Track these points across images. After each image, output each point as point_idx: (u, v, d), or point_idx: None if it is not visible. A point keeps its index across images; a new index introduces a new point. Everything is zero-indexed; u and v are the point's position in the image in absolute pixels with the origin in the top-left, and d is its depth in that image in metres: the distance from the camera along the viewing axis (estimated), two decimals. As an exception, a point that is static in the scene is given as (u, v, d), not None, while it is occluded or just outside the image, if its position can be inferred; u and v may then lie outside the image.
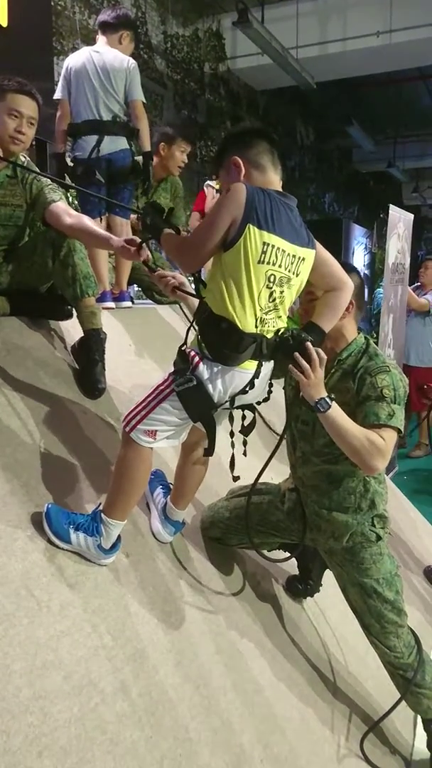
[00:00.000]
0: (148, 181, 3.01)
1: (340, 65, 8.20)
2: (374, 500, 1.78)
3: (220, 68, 8.61)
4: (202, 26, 8.18)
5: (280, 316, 1.51)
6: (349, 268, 1.85)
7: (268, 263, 1.41)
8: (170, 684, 1.50)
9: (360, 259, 11.53)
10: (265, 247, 1.39)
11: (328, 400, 1.58)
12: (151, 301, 3.46)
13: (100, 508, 1.62)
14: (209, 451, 1.60)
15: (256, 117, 9.71)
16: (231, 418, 1.62)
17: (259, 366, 1.50)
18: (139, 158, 2.94)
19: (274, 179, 1.50)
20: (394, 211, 4.29)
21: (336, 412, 1.60)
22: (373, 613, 1.78)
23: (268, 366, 1.55)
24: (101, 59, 2.80)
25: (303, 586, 2.16)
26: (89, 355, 2.15)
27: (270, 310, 1.47)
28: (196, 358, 1.47)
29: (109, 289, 2.94)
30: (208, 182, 4.42)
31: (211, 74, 8.54)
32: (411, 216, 4.71)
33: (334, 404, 1.60)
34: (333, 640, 2.15)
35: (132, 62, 2.86)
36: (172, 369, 1.53)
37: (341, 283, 1.60)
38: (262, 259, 1.40)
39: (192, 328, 1.54)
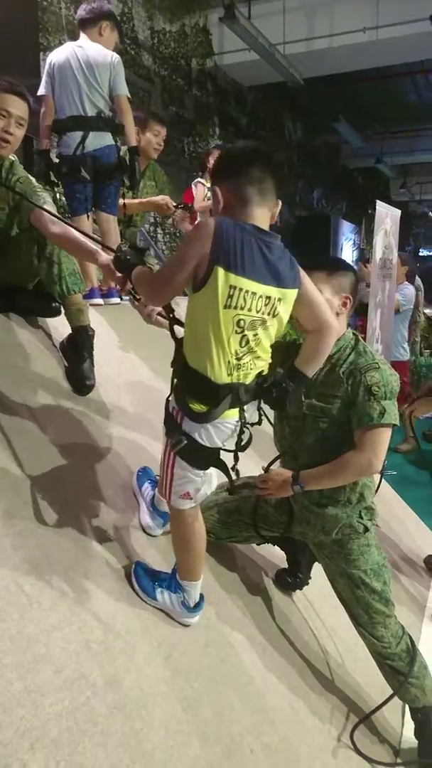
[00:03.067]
0: (135, 177, 3.01)
1: (327, 61, 8.20)
2: (363, 493, 1.81)
3: (207, 64, 8.58)
4: (189, 22, 8.15)
5: (258, 357, 1.44)
6: (344, 265, 1.88)
7: (236, 307, 1.33)
8: (161, 677, 1.51)
9: (348, 255, 11.57)
10: (232, 290, 1.31)
11: (298, 486, 1.76)
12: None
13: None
14: (232, 491, 1.65)
15: (243, 113, 9.71)
16: None
17: (242, 412, 1.46)
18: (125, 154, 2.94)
19: (257, 214, 1.38)
20: (381, 206, 4.30)
21: (310, 478, 1.76)
22: (360, 603, 1.81)
23: (253, 405, 1.52)
24: (84, 54, 2.79)
25: (292, 579, 2.18)
26: (77, 351, 2.15)
27: (244, 354, 1.40)
28: (180, 414, 1.46)
29: (97, 285, 2.94)
30: (198, 180, 4.42)
31: (199, 70, 8.51)
32: (398, 212, 4.73)
33: (301, 475, 1.76)
34: (323, 631, 2.17)
35: (116, 57, 2.86)
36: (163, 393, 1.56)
37: (326, 325, 1.52)
38: (228, 304, 1.32)
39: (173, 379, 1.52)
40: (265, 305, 1.38)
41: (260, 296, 1.36)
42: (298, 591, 2.22)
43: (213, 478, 1.63)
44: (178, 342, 1.49)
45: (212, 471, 1.60)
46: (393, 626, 1.84)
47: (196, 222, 4.38)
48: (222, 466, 1.56)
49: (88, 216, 2.95)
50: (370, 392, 1.67)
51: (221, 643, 1.75)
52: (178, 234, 8.22)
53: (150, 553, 1.82)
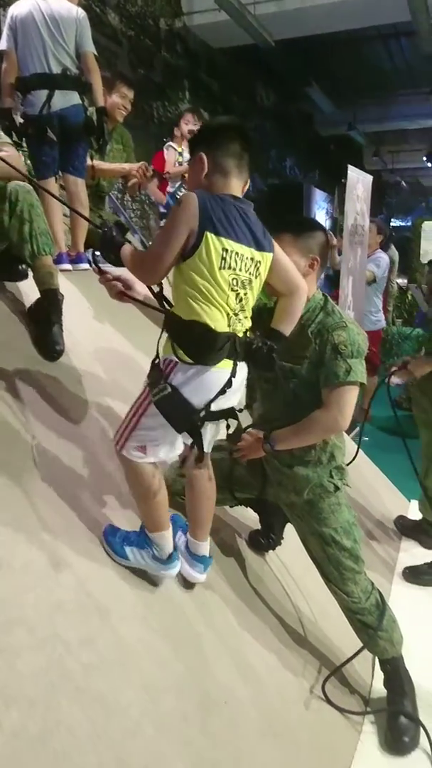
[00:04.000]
0: (103, 138, 2.93)
1: (298, 22, 8.05)
2: (333, 453, 1.83)
3: (176, 24, 8.35)
4: (156, -21, 7.90)
5: (246, 317, 1.51)
6: (315, 225, 1.87)
7: (230, 268, 1.43)
8: (136, 636, 1.53)
9: (322, 223, 11.52)
10: (225, 253, 1.41)
11: (270, 445, 1.78)
12: (110, 264, 3.40)
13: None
14: (200, 458, 1.60)
15: (214, 78, 9.50)
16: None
17: (235, 365, 1.49)
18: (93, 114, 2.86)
19: (235, 185, 1.49)
20: (352, 171, 4.28)
21: (280, 437, 1.78)
22: (331, 560, 1.84)
23: (243, 368, 1.54)
24: (48, 8, 2.68)
25: (265, 540, 2.21)
26: (47, 316, 2.11)
27: (239, 311, 1.48)
28: (171, 365, 1.46)
29: (65, 250, 2.88)
30: (169, 143, 4.33)
31: (167, 31, 8.27)
32: (370, 177, 4.71)
33: (272, 434, 1.78)
34: (295, 590, 2.21)
35: (81, 12, 2.76)
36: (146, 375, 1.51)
37: (296, 287, 1.60)
38: (223, 265, 1.41)
39: (159, 341, 1.52)
40: (251, 266, 1.48)
41: (247, 257, 1.46)
42: (271, 552, 2.26)
43: (177, 447, 1.60)
44: (168, 313, 1.50)
45: (177, 439, 1.58)
46: (363, 582, 1.88)
47: (167, 188, 4.31)
48: (196, 433, 1.54)
49: (56, 179, 2.88)
50: (337, 351, 1.68)
51: (195, 603, 1.77)
52: (148, 201, 8.08)
53: (125, 514, 1.82)
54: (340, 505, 1.85)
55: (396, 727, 1.85)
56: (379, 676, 2.01)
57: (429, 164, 13.65)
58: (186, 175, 4.16)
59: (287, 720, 1.72)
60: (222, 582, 1.95)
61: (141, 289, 1.63)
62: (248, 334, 1.53)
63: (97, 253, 1.65)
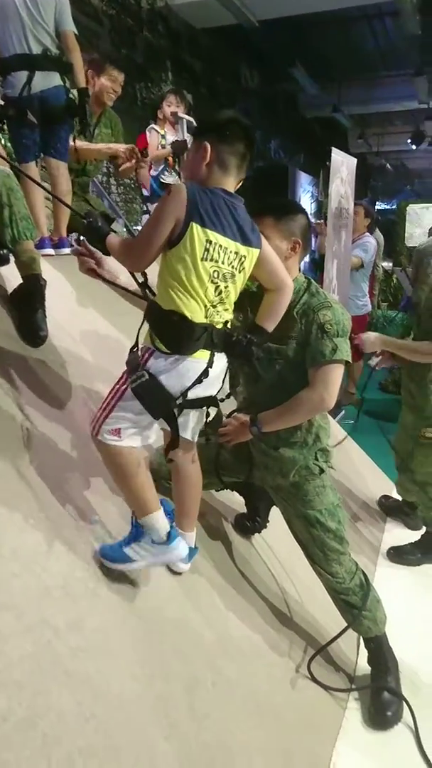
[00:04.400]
0: (86, 120, 2.88)
1: (282, 2, 7.95)
2: (318, 434, 1.84)
3: (157, 3, 8.20)
4: None
5: (227, 309, 1.53)
6: (297, 208, 1.86)
7: (212, 260, 1.44)
8: (123, 620, 1.54)
9: (306, 207, 11.49)
10: (208, 244, 1.43)
11: (256, 428, 1.79)
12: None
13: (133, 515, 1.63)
14: (173, 444, 1.58)
15: (197, 58, 9.37)
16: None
17: (212, 356, 1.50)
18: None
19: (231, 182, 1.51)
20: (336, 154, 4.27)
21: (266, 419, 1.79)
22: (316, 542, 1.87)
23: (221, 358, 1.55)
24: None
25: (251, 523, 2.23)
26: (29, 301, 2.09)
27: (217, 303, 1.49)
28: (148, 353, 1.48)
29: (47, 235, 2.84)
30: (152, 126, 4.28)
31: (149, 10, 8.13)
32: (354, 160, 4.70)
33: (259, 417, 1.79)
34: (281, 572, 2.24)
35: (60, -11, 2.69)
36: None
37: (282, 283, 1.61)
38: (205, 257, 1.43)
39: (140, 329, 1.53)
40: (235, 260, 1.49)
41: (231, 251, 1.48)
42: (257, 535, 2.28)
43: (151, 434, 1.59)
44: (151, 300, 1.53)
45: (154, 426, 1.58)
46: (347, 563, 1.91)
47: (150, 172, 4.26)
48: (172, 421, 1.54)
49: (37, 163, 2.83)
50: (323, 330, 1.70)
51: (182, 587, 1.79)
52: (133, 185, 8.00)
53: (112, 499, 1.83)
54: (325, 487, 1.87)
55: (379, 703, 1.89)
56: (364, 654, 2.05)
57: (414, 147, 13.61)
58: (169, 158, 4.14)
59: (273, 699, 1.75)
60: (208, 565, 1.97)
61: (116, 269, 1.65)
62: (229, 325, 1.55)
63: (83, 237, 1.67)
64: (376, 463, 3.73)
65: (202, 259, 1.43)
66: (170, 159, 4.15)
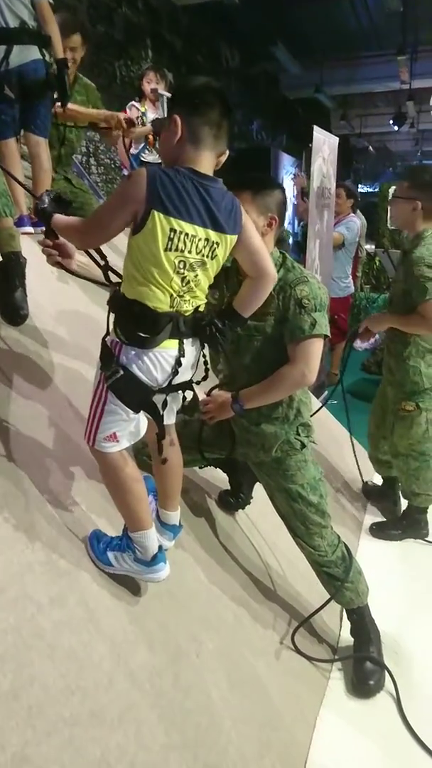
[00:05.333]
0: (65, 92, 2.82)
1: (263, -21, 7.84)
2: (300, 409, 1.85)
3: (137, -20, 8.06)
4: None
5: (196, 296, 1.44)
6: (274, 184, 1.85)
7: (176, 250, 1.34)
8: (106, 593, 1.55)
9: (289, 188, 11.44)
10: (172, 233, 1.33)
11: (238, 405, 1.79)
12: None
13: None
14: (160, 435, 1.55)
15: (177, 36, 9.23)
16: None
17: (181, 344, 1.44)
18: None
19: (205, 158, 1.38)
20: (318, 133, 4.24)
21: (248, 396, 1.79)
22: (298, 516, 1.88)
23: (192, 344, 1.49)
24: None
25: (234, 499, 2.25)
26: (9, 280, 2.06)
27: (185, 293, 1.41)
28: (118, 346, 1.43)
29: (27, 213, 2.80)
30: (132, 103, 4.21)
31: (128, -14, 7.99)
32: (336, 139, 4.67)
33: (240, 394, 1.79)
34: (264, 547, 2.26)
35: (34, -40, 2.63)
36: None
37: (264, 272, 1.53)
38: (169, 246, 1.33)
39: (109, 316, 1.48)
40: (205, 247, 1.39)
41: (200, 239, 1.37)
42: (240, 511, 2.29)
43: (142, 424, 1.57)
44: (113, 285, 1.47)
45: (142, 416, 1.55)
46: (329, 536, 1.93)
47: (130, 150, 4.20)
48: (153, 410, 1.50)
49: (17, 139, 2.78)
50: (301, 305, 1.69)
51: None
52: (113, 165, 7.90)
53: (94, 476, 1.82)
54: (307, 462, 1.89)
55: (362, 672, 1.93)
56: (347, 625, 2.08)
57: (395, 128, 13.58)
58: (149, 136, 4.08)
59: (257, 670, 1.77)
60: (192, 541, 1.98)
61: (83, 261, 1.59)
62: (200, 309, 1.48)
63: None
64: (358, 441, 3.76)
65: (165, 249, 1.33)
66: (150, 137, 4.09)
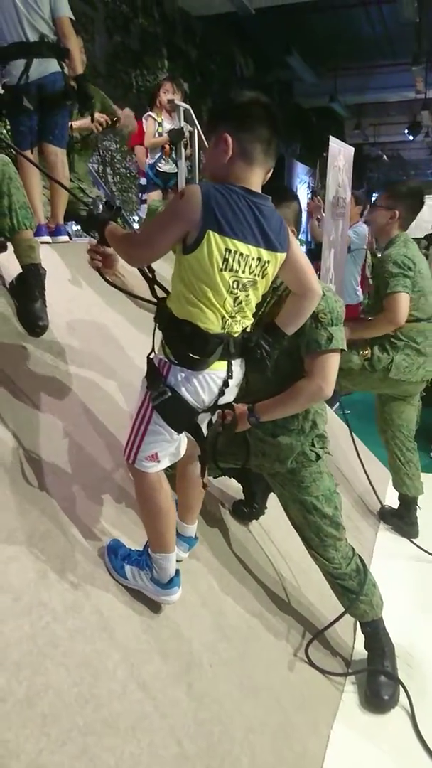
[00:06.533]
0: (84, 106, 2.87)
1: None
2: (315, 420, 1.85)
3: (153, -10, 8.15)
4: None
5: (245, 316, 1.44)
6: (290, 195, 1.86)
7: (231, 270, 1.33)
8: (120, 601, 1.56)
9: (303, 197, 11.46)
10: (227, 254, 1.31)
11: (254, 418, 1.74)
12: (89, 237, 3.37)
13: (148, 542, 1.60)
14: (203, 458, 1.54)
15: (192, 46, 9.30)
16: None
17: (230, 366, 1.44)
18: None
19: (256, 175, 1.37)
20: (334, 143, 4.24)
21: (264, 409, 1.75)
22: (312, 527, 1.88)
23: (239, 365, 1.49)
24: None
25: (248, 509, 2.24)
26: (29, 291, 2.08)
27: (236, 313, 1.40)
28: (166, 366, 1.42)
29: (44, 222, 2.83)
30: (149, 114, 4.26)
31: (144, -4, 8.07)
32: (351, 149, 4.67)
33: (256, 406, 1.74)
34: (278, 557, 2.25)
35: (54, -24, 2.68)
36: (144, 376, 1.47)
37: (310, 291, 1.54)
38: (224, 267, 1.32)
39: (155, 332, 1.48)
40: (256, 266, 1.38)
41: (252, 258, 1.36)
42: (254, 521, 2.29)
43: (182, 445, 1.57)
44: (160, 301, 1.47)
45: (183, 437, 1.55)
46: (343, 548, 1.92)
47: (147, 160, 4.24)
48: (197, 432, 1.50)
49: (31, 150, 2.82)
50: (317, 319, 1.69)
51: (180, 570, 1.80)
52: (129, 175, 7.96)
53: (105, 486, 1.83)
54: (322, 473, 1.88)
55: (376, 686, 1.91)
56: (361, 638, 2.07)
57: (411, 137, 13.57)
58: (166, 146, 4.12)
59: (270, 681, 1.77)
60: (206, 550, 1.98)
61: (125, 272, 1.59)
62: (248, 329, 1.48)
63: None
64: (371, 451, 3.74)
65: (220, 270, 1.31)
66: (167, 147, 4.13)
